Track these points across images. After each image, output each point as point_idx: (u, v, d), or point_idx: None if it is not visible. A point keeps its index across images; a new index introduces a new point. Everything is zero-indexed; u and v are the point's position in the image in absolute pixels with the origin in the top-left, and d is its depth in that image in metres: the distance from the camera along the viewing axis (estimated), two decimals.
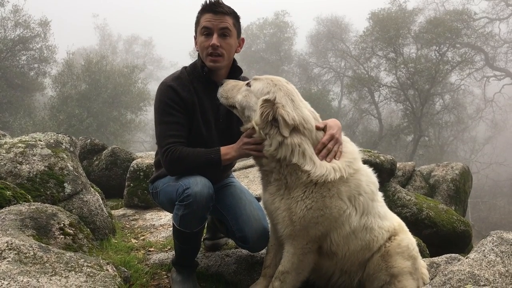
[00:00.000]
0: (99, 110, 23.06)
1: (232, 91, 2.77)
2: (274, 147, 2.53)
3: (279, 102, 2.52)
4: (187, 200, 2.64)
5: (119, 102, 24.31)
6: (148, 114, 26.58)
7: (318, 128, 2.63)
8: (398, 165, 6.80)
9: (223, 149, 2.77)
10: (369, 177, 2.74)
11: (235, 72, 3.05)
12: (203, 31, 2.85)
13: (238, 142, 2.73)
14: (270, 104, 2.53)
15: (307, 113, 2.59)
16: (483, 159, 30.88)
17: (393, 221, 2.88)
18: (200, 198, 2.64)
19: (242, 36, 3.05)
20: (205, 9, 2.86)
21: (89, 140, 7.37)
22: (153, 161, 3.98)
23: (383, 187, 5.80)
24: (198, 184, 2.66)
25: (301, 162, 2.52)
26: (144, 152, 8.66)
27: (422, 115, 26.75)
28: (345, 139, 2.73)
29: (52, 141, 4.33)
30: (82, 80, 23.66)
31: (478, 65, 29.20)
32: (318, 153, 2.58)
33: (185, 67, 3.05)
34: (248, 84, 2.72)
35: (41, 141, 4.25)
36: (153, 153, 7.51)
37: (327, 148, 2.60)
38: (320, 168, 2.51)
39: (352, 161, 2.63)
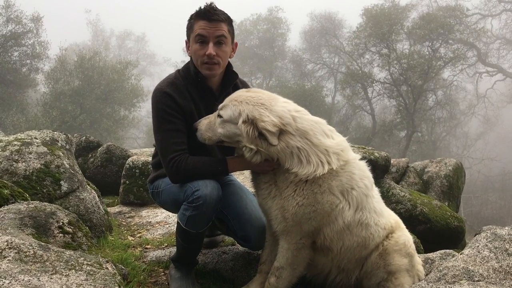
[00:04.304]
0: (92, 106, 22.94)
1: (210, 130, 2.73)
2: (275, 157, 2.56)
3: (255, 117, 2.51)
4: (197, 202, 2.65)
5: (112, 98, 24.18)
6: (142, 111, 26.54)
7: None
8: (392, 161, 6.83)
9: (230, 163, 2.75)
10: (362, 171, 2.72)
11: (229, 78, 3.01)
12: (197, 38, 2.80)
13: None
14: (249, 122, 2.52)
15: (280, 109, 2.56)
16: (475, 154, 31.07)
17: (390, 218, 2.89)
18: (210, 200, 2.65)
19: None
20: (199, 16, 2.80)
21: (84, 137, 7.36)
22: (149, 159, 3.99)
23: (377, 184, 5.81)
24: (208, 186, 2.67)
25: (289, 164, 2.54)
26: (139, 148, 8.65)
27: (415, 111, 26.83)
28: (330, 129, 2.71)
29: (48, 138, 4.33)
30: (75, 76, 23.52)
31: (470, 61, 29.36)
32: None
33: (178, 71, 3.01)
34: (219, 115, 2.69)
35: (37, 138, 4.25)
36: (147, 150, 7.54)
37: None
38: (307, 166, 2.51)
39: (339, 152, 2.60)
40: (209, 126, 2.74)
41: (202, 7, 2.81)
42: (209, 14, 2.77)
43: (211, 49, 2.76)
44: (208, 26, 2.77)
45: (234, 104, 2.62)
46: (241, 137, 2.57)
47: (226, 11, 2.91)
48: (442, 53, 27.51)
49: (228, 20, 2.87)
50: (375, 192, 2.86)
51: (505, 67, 30.80)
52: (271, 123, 2.48)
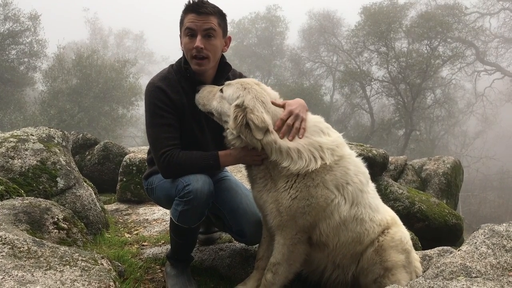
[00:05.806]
0: (90, 105, 22.93)
1: (207, 98, 2.76)
2: (259, 147, 2.58)
3: (248, 107, 2.53)
4: (187, 196, 2.63)
5: (110, 97, 24.17)
6: (140, 109, 26.47)
7: (275, 105, 2.64)
8: (390, 159, 6.84)
9: (222, 156, 2.75)
10: (357, 167, 2.73)
11: (223, 70, 3.00)
12: (187, 32, 2.79)
13: (239, 151, 2.70)
14: (241, 109, 2.55)
15: (279, 111, 2.61)
16: (474, 153, 31.15)
17: (386, 214, 2.88)
18: (201, 195, 2.64)
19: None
20: (188, 9, 2.79)
21: (81, 134, 7.35)
22: (145, 156, 3.98)
23: (375, 181, 5.82)
24: (199, 181, 2.66)
25: (278, 158, 2.55)
26: (136, 147, 8.63)
27: (413, 109, 26.89)
28: (327, 126, 2.71)
29: (44, 135, 4.30)
30: (73, 75, 23.52)
31: (469, 59, 29.47)
32: (278, 131, 2.56)
33: (171, 65, 3.00)
34: (221, 90, 2.73)
35: (33, 135, 4.22)
36: (145, 147, 7.51)
37: (287, 124, 2.57)
38: (299, 161, 2.53)
39: (334, 148, 2.61)
40: (208, 94, 2.77)
41: (191, 1, 2.79)
42: (197, 7, 2.76)
43: (198, 41, 2.75)
44: (197, 19, 2.76)
45: (238, 87, 2.66)
46: (229, 118, 2.60)
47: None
48: (441, 51, 27.59)
49: (219, 14, 2.84)
50: (371, 188, 2.86)
51: (503, 66, 30.89)
52: (261, 119, 2.50)
